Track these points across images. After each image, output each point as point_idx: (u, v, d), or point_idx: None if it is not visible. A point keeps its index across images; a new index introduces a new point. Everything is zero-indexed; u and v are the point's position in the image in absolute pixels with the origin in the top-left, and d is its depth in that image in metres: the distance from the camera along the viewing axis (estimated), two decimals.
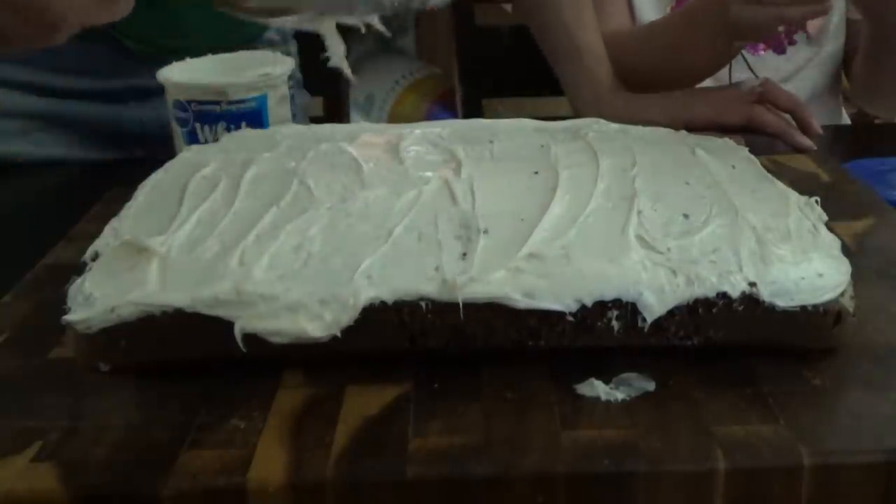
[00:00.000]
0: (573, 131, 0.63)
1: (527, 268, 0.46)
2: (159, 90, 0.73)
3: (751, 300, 0.46)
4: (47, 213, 0.78)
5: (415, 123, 0.66)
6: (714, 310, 0.46)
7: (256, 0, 0.58)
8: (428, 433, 0.43)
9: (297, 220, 0.51)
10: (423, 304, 0.46)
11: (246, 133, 0.67)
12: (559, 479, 0.40)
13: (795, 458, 0.41)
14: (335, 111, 1.23)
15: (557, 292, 0.46)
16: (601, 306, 0.46)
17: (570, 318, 0.46)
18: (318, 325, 0.45)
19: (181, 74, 0.72)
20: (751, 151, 0.62)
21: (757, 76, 1.02)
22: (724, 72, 1.05)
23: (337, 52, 0.58)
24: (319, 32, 0.57)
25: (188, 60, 0.74)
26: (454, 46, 1.29)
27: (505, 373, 0.47)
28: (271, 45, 1.01)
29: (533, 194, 0.53)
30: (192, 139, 0.71)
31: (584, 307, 0.46)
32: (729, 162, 0.59)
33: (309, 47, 1.11)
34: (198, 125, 0.71)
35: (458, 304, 0.45)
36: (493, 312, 0.46)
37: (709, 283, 0.46)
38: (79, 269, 0.50)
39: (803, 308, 0.46)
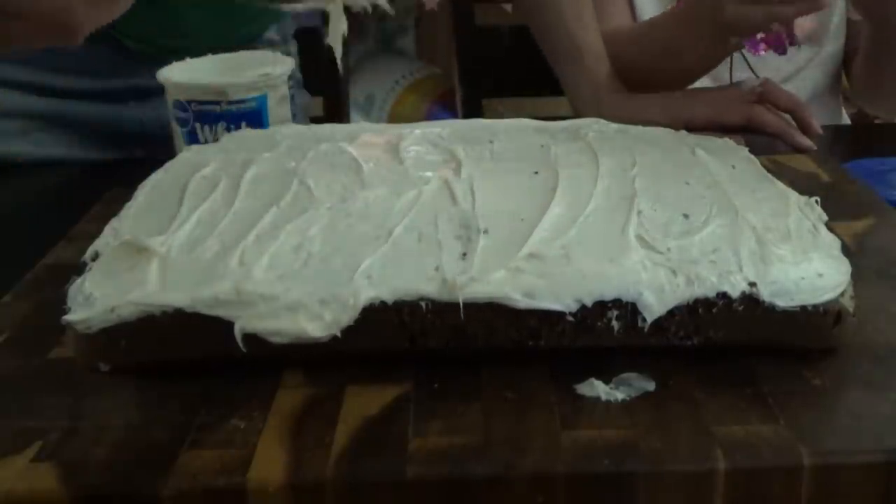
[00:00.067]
0: (573, 131, 0.63)
1: (527, 268, 0.46)
2: (159, 90, 0.73)
3: (751, 300, 0.46)
4: (47, 213, 0.77)
5: (415, 123, 0.66)
6: (714, 310, 0.46)
7: None
8: (428, 433, 0.43)
9: (297, 220, 0.51)
10: (423, 304, 0.46)
11: (246, 133, 0.67)
12: (559, 479, 0.40)
13: (795, 458, 0.41)
14: (335, 111, 1.23)
15: (557, 292, 0.46)
16: (601, 306, 0.46)
17: (570, 318, 0.46)
18: (318, 325, 0.45)
19: (181, 74, 0.72)
20: (751, 151, 0.62)
21: (757, 76, 1.02)
22: (724, 72, 1.05)
23: (335, 32, 0.58)
24: (326, 10, 0.57)
25: (188, 60, 0.74)
26: (454, 46, 1.29)
27: (505, 373, 0.47)
28: (271, 45, 1.01)
29: (533, 194, 0.53)
30: (192, 139, 0.71)
31: (584, 307, 0.46)
32: (729, 162, 0.59)
33: (309, 47, 1.11)
34: (198, 125, 0.71)
35: (458, 304, 0.45)
36: (494, 312, 0.46)
37: (709, 283, 0.46)
38: (79, 269, 0.50)
39: (803, 308, 0.46)
